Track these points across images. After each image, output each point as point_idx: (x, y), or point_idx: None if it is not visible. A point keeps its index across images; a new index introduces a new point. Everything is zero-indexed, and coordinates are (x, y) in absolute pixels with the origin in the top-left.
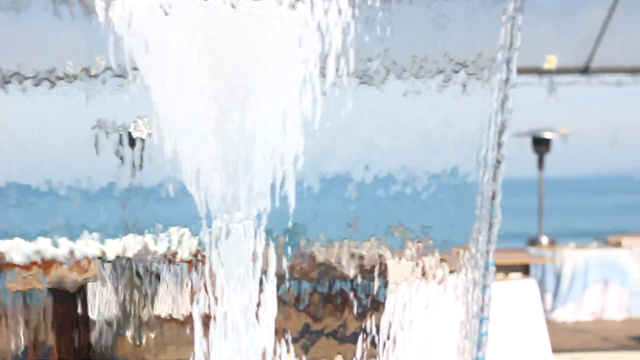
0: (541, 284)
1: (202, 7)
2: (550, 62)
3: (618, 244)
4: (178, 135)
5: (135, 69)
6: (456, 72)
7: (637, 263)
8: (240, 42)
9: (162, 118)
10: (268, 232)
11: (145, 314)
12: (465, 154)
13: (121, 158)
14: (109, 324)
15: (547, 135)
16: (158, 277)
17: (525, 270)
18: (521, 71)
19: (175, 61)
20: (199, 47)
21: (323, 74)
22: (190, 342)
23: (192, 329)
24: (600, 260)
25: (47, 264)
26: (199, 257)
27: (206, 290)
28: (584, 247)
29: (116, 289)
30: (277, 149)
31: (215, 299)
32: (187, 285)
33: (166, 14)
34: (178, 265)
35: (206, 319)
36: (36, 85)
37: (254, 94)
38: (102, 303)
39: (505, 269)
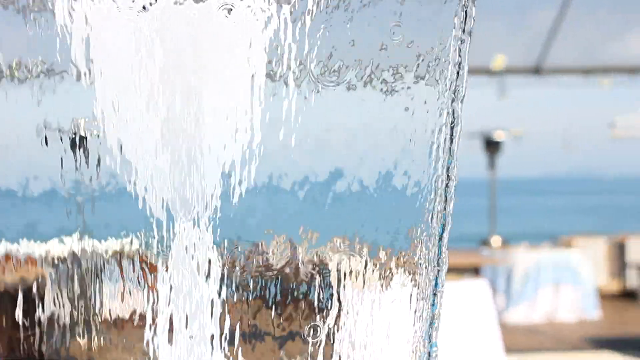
0: (493, 285)
1: (150, 7)
2: (499, 62)
3: (569, 245)
4: (126, 137)
5: (81, 69)
6: (402, 74)
7: (589, 264)
8: (188, 44)
9: (109, 119)
10: (216, 234)
11: (91, 315)
12: (415, 158)
13: (68, 159)
14: (53, 323)
15: (498, 136)
16: (105, 278)
17: (477, 271)
18: (471, 71)
19: (123, 62)
20: (146, 49)
21: (271, 77)
22: (137, 343)
23: (138, 330)
24: (553, 261)
25: None
26: (147, 259)
27: (154, 291)
28: (535, 248)
29: (61, 290)
30: (225, 152)
31: (164, 300)
32: (134, 286)
33: (113, 14)
34: (126, 266)
35: (153, 321)
36: None
37: (202, 96)
38: (46, 303)
39: (457, 271)
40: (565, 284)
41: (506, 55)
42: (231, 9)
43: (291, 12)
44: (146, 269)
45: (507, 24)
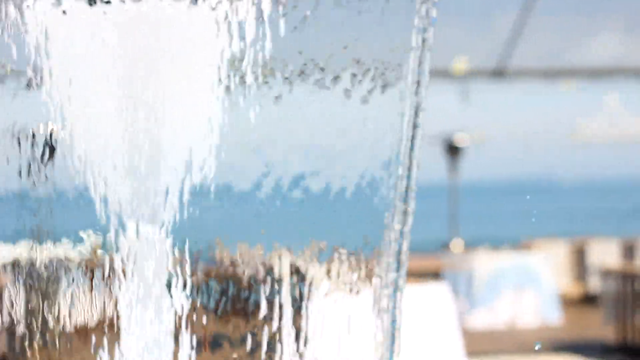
0: (454, 289)
1: (108, 8)
2: (460, 66)
3: (530, 248)
4: (85, 141)
5: (39, 72)
6: (362, 80)
7: (550, 269)
8: (147, 43)
9: (69, 123)
10: (174, 238)
11: (46, 320)
12: (375, 163)
13: (26, 162)
14: (9, 330)
15: (459, 140)
16: (61, 283)
17: (437, 275)
18: (432, 75)
19: (78, 62)
20: (103, 48)
21: (232, 81)
22: (95, 349)
23: (96, 336)
24: (514, 265)
25: None
26: (104, 263)
27: (112, 296)
28: (496, 252)
29: (15, 295)
30: (184, 154)
31: (122, 305)
32: (92, 291)
33: (70, 14)
34: (83, 271)
35: (111, 326)
36: None
37: (161, 98)
38: (3, 310)
39: (417, 275)
40: (527, 288)
41: (468, 58)
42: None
43: (252, 13)
44: (101, 274)
45: (469, 27)
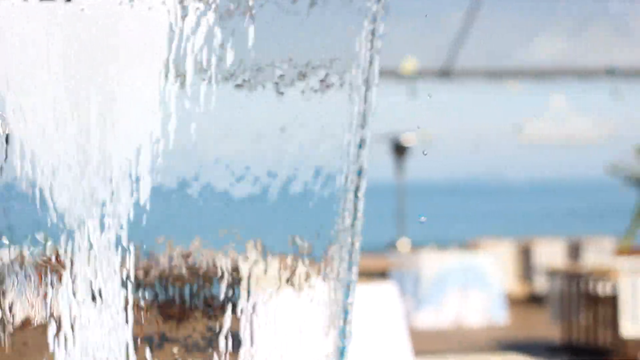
0: (401, 288)
1: (55, 6)
2: (409, 66)
3: (477, 247)
4: (34, 137)
5: None
6: (311, 79)
7: (497, 268)
8: (96, 42)
9: (17, 119)
10: (119, 237)
11: None
12: (324, 162)
13: None
14: None
15: (406, 139)
16: (5, 283)
17: (384, 275)
18: (380, 74)
19: (27, 60)
20: (52, 47)
21: (181, 80)
22: (44, 348)
23: (45, 335)
24: (460, 265)
25: None
26: (53, 262)
27: (56, 296)
28: (443, 251)
29: None
30: (130, 153)
31: (71, 304)
32: (41, 290)
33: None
34: (31, 270)
35: (60, 325)
36: None
37: (108, 98)
38: None
39: (364, 274)
40: (473, 287)
41: (416, 58)
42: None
43: (201, 14)
44: (48, 271)
45: (417, 27)
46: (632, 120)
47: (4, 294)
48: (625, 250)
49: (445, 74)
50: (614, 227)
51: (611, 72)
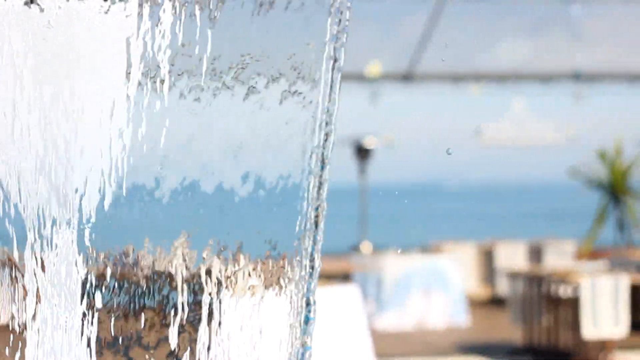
0: (363, 291)
1: (21, 8)
2: (374, 70)
3: (439, 250)
4: None
5: None
6: (276, 82)
7: (459, 271)
8: (62, 43)
9: None
10: (85, 239)
11: None
12: (287, 165)
13: None
14: None
15: (369, 142)
16: None
17: (347, 277)
18: (343, 78)
19: None
20: (16, 47)
21: (144, 83)
22: (3, 351)
23: (6, 337)
24: (423, 267)
25: None
26: (15, 264)
27: (24, 298)
28: (405, 253)
29: None
30: (97, 157)
31: (34, 306)
32: (3, 290)
33: None
34: None
35: (23, 328)
36: None
37: (74, 101)
38: None
39: (326, 277)
40: (435, 290)
41: (379, 62)
42: (107, 10)
43: (167, 15)
44: (14, 273)
45: (379, 30)
46: (593, 124)
47: None
48: (586, 253)
49: (407, 77)
50: (575, 230)
51: (573, 76)
